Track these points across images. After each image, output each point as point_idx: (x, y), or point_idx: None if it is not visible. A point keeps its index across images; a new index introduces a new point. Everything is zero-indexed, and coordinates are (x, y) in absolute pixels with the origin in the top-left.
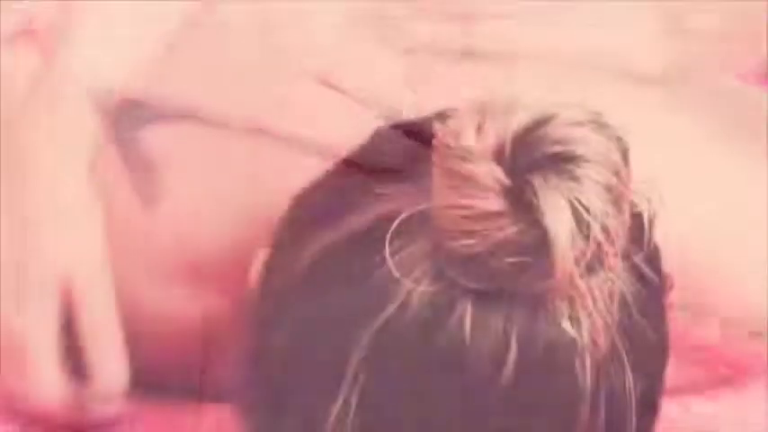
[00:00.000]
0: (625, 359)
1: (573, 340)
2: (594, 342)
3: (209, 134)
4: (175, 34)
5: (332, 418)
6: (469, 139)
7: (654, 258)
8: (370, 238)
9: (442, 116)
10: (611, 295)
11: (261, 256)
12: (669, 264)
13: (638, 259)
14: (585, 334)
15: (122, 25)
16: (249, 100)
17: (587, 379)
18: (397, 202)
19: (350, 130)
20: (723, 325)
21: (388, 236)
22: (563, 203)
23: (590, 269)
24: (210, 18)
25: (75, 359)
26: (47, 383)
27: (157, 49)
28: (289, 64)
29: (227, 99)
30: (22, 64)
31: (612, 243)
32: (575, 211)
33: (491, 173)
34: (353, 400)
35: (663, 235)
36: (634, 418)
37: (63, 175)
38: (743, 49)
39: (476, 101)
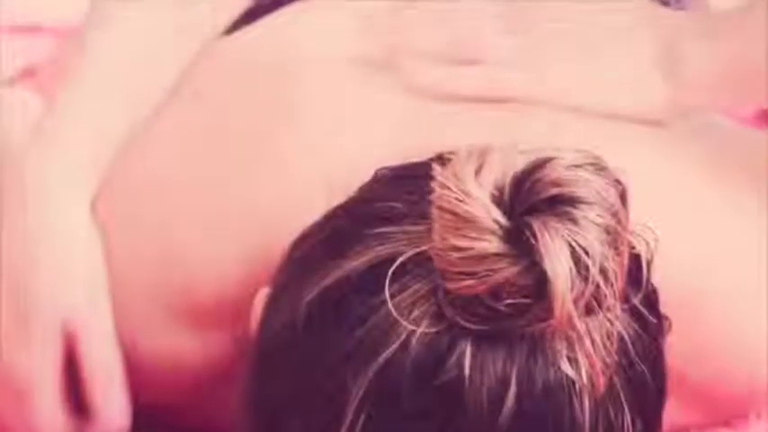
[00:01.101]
0: (623, 400)
1: (572, 381)
2: (593, 383)
3: (207, 176)
4: (175, 84)
5: None
6: (469, 182)
7: (652, 300)
8: (370, 280)
9: (441, 158)
10: (609, 336)
11: (262, 296)
12: (666, 306)
13: (636, 301)
14: (584, 375)
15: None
16: (246, 156)
17: (586, 420)
18: (396, 243)
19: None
20: (721, 366)
21: (388, 277)
22: (562, 245)
23: (588, 310)
24: (209, 69)
25: (77, 398)
26: (49, 422)
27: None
28: (287, 112)
29: (225, 154)
30: (23, 104)
31: (611, 284)
32: (573, 253)
33: (490, 215)
34: None
35: (660, 277)
36: None
37: (64, 216)
38: (742, 93)
39: (475, 144)
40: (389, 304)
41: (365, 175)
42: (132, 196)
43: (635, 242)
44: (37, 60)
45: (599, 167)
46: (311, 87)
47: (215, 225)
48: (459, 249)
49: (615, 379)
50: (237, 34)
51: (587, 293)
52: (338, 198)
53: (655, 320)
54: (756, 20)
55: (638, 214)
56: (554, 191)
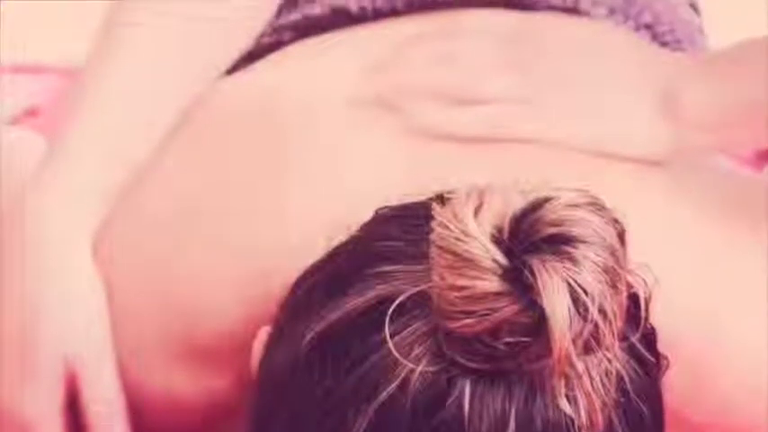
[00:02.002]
0: None
1: (570, 419)
2: (591, 421)
3: (207, 218)
4: (175, 126)
5: None
6: (468, 221)
7: (650, 338)
8: (370, 318)
9: (441, 198)
10: (607, 375)
11: (262, 335)
12: (666, 346)
13: (634, 339)
14: (583, 413)
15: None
16: (246, 198)
17: None
18: (396, 282)
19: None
20: (721, 406)
21: (388, 316)
22: (560, 284)
23: (587, 349)
24: (209, 111)
25: None
26: None
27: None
28: (286, 152)
29: (224, 196)
30: (26, 143)
31: (609, 323)
32: (572, 292)
33: (489, 254)
34: None
35: (660, 318)
36: None
37: (66, 257)
38: (742, 133)
39: (474, 183)
40: (389, 343)
41: (365, 216)
42: (133, 238)
43: (633, 281)
44: (41, 100)
45: (598, 207)
46: (310, 129)
47: (215, 266)
48: (458, 288)
49: (613, 417)
50: (238, 75)
51: (586, 332)
52: (339, 238)
53: (653, 359)
54: (756, 59)
55: (636, 254)
56: (553, 230)
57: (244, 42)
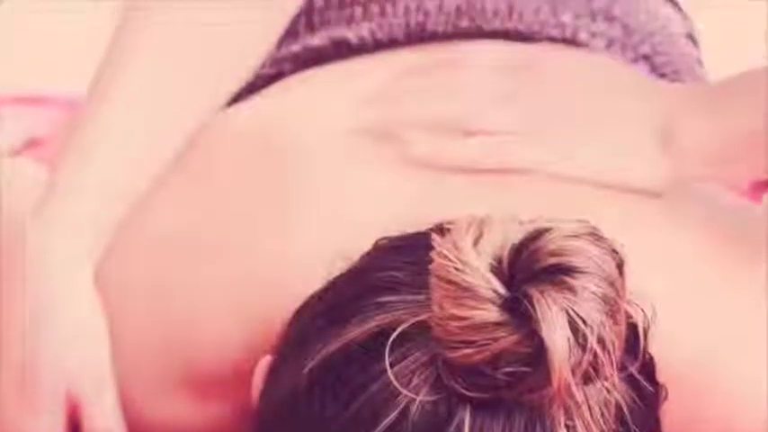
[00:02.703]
0: None
1: None
2: None
3: (207, 248)
4: (176, 156)
5: None
6: (468, 252)
7: (649, 369)
8: (370, 348)
9: (440, 229)
10: (606, 404)
11: (263, 365)
12: (664, 378)
13: (633, 370)
14: None
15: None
16: (246, 228)
17: None
18: (396, 312)
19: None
20: None
21: (388, 346)
22: (560, 314)
23: (586, 379)
24: (209, 142)
25: None
26: None
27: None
28: (287, 184)
29: (225, 226)
30: (28, 174)
31: (608, 353)
32: (571, 322)
33: (489, 284)
34: None
35: (659, 349)
36: None
37: (67, 286)
38: (741, 164)
39: (474, 214)
40: (389, 372)
41: (365, 246)
42: (133, 269)
43: (632, 312)
44: (42, 131)
45: (597, 238)
46: (310, 160)
47: (216, 295)
48: (458, 318)
49: None
50: (238, 107)
51: (585, 362)
52: (339, 268)
53: (652, 389)
54: (755, 91)
55: (635, 285)
56: (552, 261)
57: (244, 74)
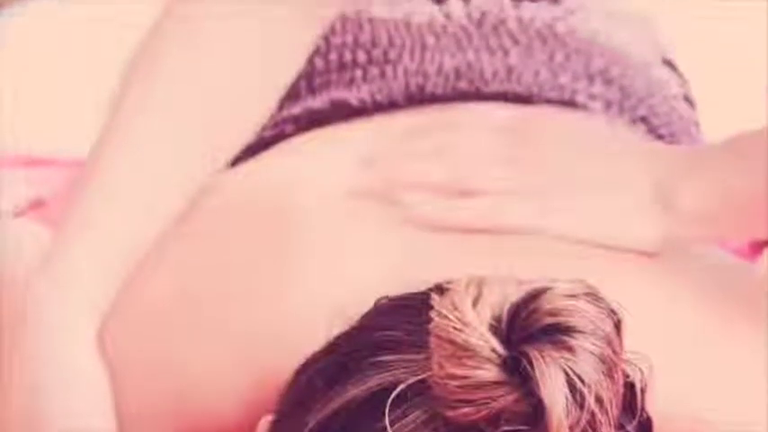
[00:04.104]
0: None
1: None
2: None
3: (207, 310)
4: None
5: None
6: (467, 312)
7: (646, 427)
8: (371, 407)
9: (440, 288)
10: None
11: (264, 424)
12: None
13: (630, 428)
14: None
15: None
16: (246, 290)
17: None
18: (396, 371)
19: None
20: None
21: (388, 405)
22: (558, 373)
23: None
24: (211, 202)
25: None
26: None
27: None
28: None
29: (225, 288)
30: (32, 235)
31: (606, 412)
32: (569, 381)
33: (488, 343)
34: None
35: (656, 407)
36: None
37: (68, 346)
38: (740, 225)
39: (473, 274)
40: (389, 431)
41: (364, 303)
42: (135, 324)
43: (630, 371)
44: (46, 192)
45: (594, 297)
46: (310, 220)
47: (216, 353)
48: (457, 378)
49: None
50: (238, 169)
51: (583, 421)
52: (339, 327)
53: None
54: (753, 152)
55: (634, 345)
56: (550, 320)
57: (245, 135)
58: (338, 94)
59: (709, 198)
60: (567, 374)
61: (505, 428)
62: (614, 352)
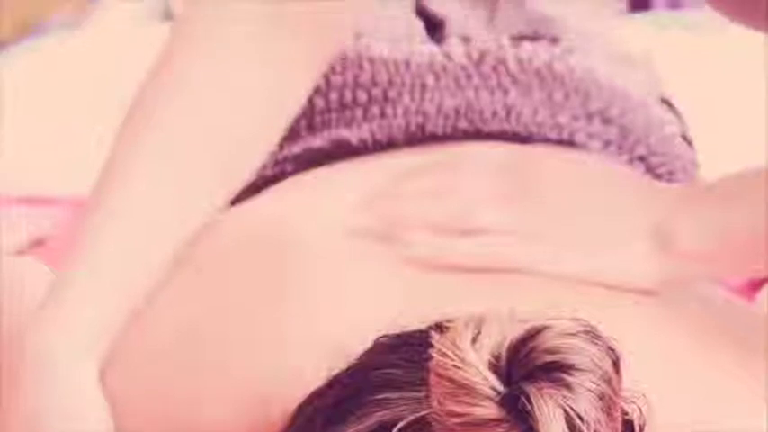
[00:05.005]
0: None
1: None
2: None
3: (207, 350)
4: (177, 257)
5: None
6: (466, 349)
7: None
8: None
9: (439, 326)
10: None
11: None
12: None
13: None
14: None
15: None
16: (246, 330)
17: None
18: (396, 409)
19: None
20: None
21: None
22: (557, 411)
23: None
24: (211, 240)
25: None
26: None
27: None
28: (287, 286)
29: (225, 328)
30: (33, 274)
31: None
32: (568, 419)
33: (487, 381)
34: None
35: None
36: None
37: (69, 378)
38: (738, 263)
39: (472, 313)
40: None
41: (364, 341)
42: (135, 362)
43: (628, 408)
44: (47, 231)
45: (593, 335)
46: (310, 261)
47: (215, 392)
48: (457, 415)
49: None
50: (238, 208)
51: None
52: (339, 365)
53: None
54: (751, 190)
55: (632, 383)
56: (549, 358)
57: (245, 174)
58: (339, 133)
59: (708, 236)
60: (565, 412)
61: None
62: (613, 390)
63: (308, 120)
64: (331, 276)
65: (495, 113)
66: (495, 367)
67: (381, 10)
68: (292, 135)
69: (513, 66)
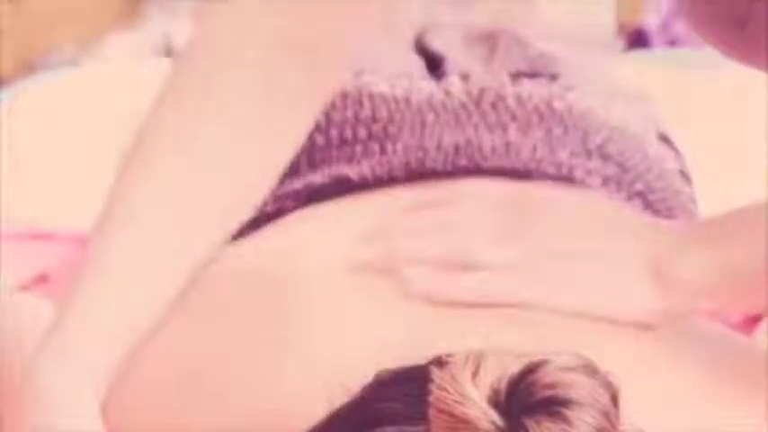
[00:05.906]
0: None
1: None
2: None
3: (207, 386)
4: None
5: None
6: (466, 384)
7: None
8: None
9: (439, 361)
10: None
11: None
12: None
13: None
14: None
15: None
16: (246, 367)
17: None
18: None
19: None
20: None
21: None
22: None
23: None
24: (211, 278)
25: None
26: None
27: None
28: (287, 322)
29: (224, 365)
30: (34, 310)
31: None
32: None
33: (486, 416)
34: None
35: None
36: None
37: (73, 407)
38: (736, 302)
39: (472, 347)
40: None
41: (365, 378)
42: (136, 400)
43: None
44: (50, 267)
45: (591, 370)
46: (311, 296)
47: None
48: None
49: None
50: (239, 244)
51: None
52: (340, 400)
53: None
54: (755, 227)
55: (632, 419)
56: (548, 393)
57: (245, 211)
58: (339, 169)
59: (708, 271)
60: None
61: None
62: (611, 424)
63: (309, 156)
64: (331, 311)
65: (494, 150)
66: (494, 402)
67: (382, 47)
68: (292, 171)
69: (512, 103)
